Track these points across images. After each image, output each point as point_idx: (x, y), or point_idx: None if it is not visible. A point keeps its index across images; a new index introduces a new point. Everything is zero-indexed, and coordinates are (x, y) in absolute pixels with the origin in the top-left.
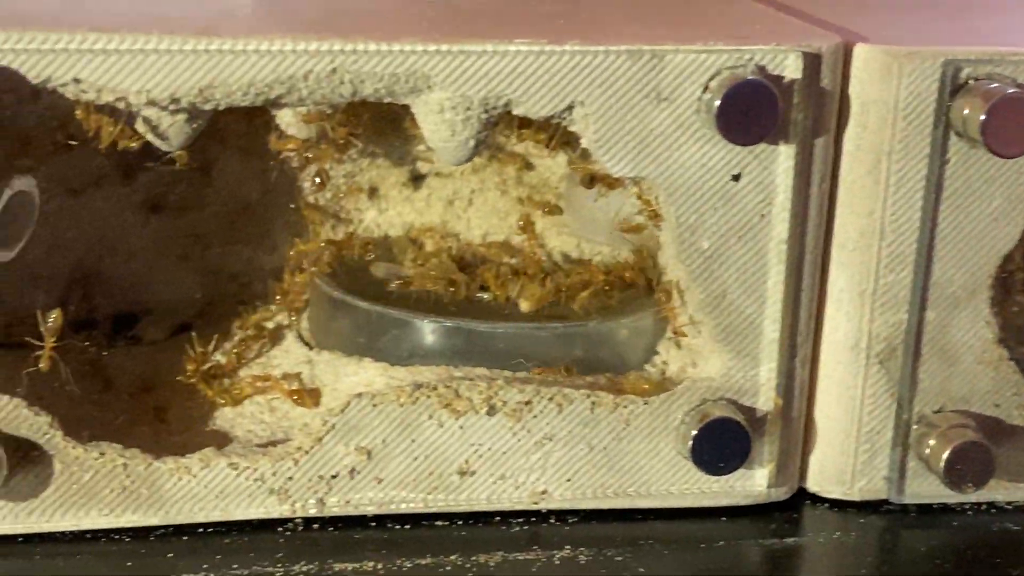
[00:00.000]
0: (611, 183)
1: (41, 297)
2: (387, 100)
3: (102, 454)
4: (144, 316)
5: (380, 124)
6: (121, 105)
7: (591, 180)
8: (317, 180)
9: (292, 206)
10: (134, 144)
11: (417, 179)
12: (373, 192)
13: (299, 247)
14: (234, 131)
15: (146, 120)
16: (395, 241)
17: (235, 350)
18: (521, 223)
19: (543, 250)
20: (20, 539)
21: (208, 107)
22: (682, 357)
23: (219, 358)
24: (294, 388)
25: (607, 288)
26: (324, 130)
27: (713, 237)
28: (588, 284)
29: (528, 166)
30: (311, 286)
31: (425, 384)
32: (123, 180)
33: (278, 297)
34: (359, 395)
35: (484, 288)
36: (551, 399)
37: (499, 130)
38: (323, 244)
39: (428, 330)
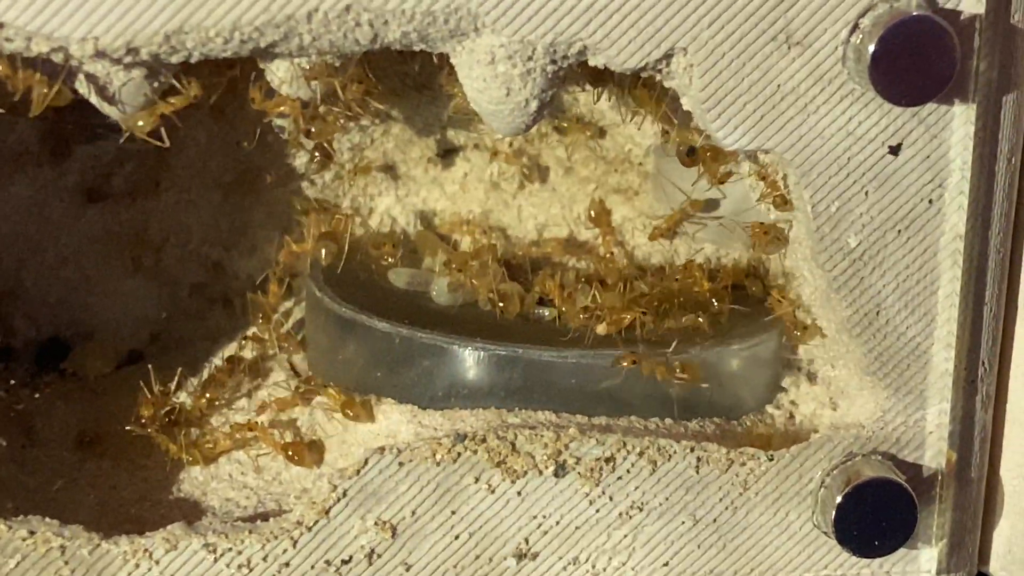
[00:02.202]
0: (719, 158)
1: None
2: (419, 48)
3: (31, 533)
4: (79, 343)
5: (398, 79)
6: (58, 58)
7: (692, 154)
8: (317, 157)
9: (278, 191)
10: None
11: (448, 153)
12: (389, 171)
13: (291, 247)
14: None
15: (90, 77)
16: (419, 238)
17: (205, 389)
18: (592, 213)
19: (623, 249)
20: None
21: (176, 59)
22: (818, 396)
23: (183, 399)
24: (288, 441)
25: (713, 302)
26: (332, 88)
27: (863, 232)
28: (687, 297)
29: (600, 134)
30: (308, 300)
31: (470, 435)
32: (51, 159)
33: (260, 317)
34: (380, 450)
35: (544, 302)
36: (641, 454)
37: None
38: (320, 242)
39: (471, 360)
